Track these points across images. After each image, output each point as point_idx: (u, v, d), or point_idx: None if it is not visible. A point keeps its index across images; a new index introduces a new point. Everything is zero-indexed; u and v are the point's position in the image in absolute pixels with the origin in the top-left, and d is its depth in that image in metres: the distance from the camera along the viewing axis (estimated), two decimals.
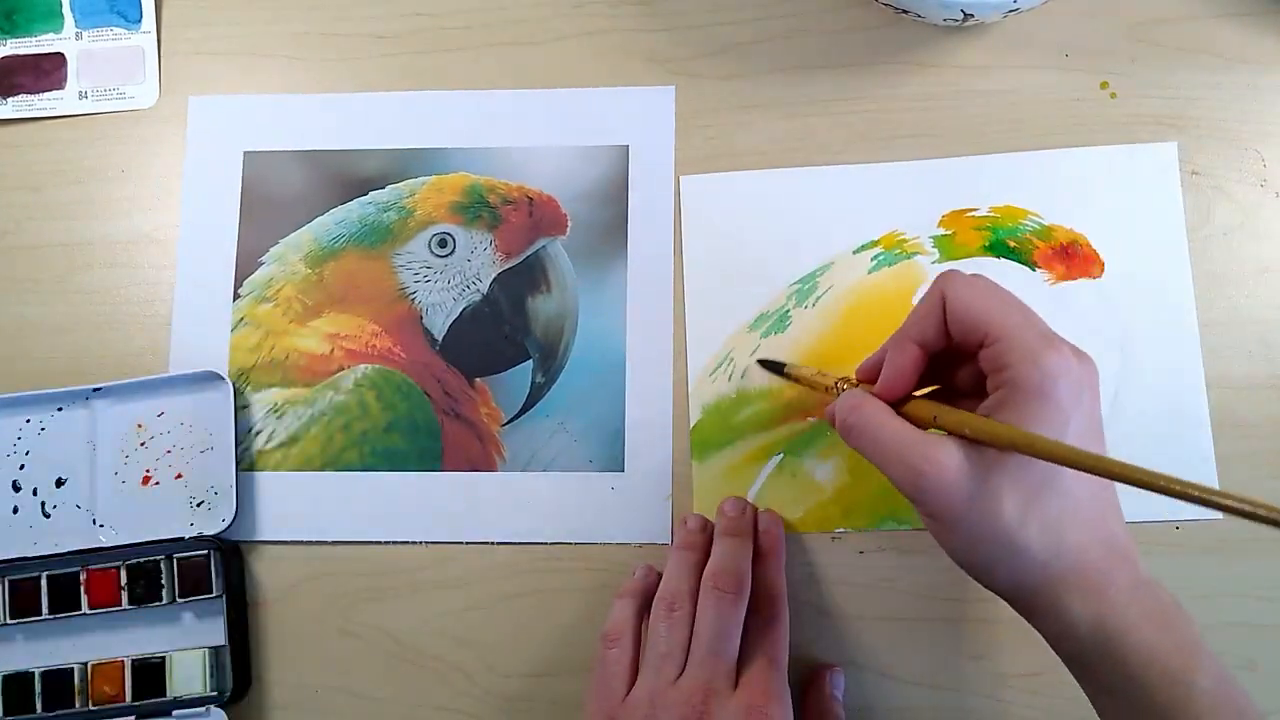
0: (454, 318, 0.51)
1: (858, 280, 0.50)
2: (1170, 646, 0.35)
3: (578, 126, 0.53)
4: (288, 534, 0.50)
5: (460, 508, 0.50)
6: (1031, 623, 0.38)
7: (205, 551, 0.48)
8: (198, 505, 0.50)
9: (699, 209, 0.52)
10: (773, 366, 0.49)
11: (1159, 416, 0.48)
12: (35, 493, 0.50)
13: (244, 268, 0.53)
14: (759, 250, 0.51)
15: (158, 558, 0.48)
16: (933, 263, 0.50)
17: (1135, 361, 0.48)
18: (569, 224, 0.52)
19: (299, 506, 0.50)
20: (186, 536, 0.49)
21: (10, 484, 0.50)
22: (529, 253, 0.52)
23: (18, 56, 0.55)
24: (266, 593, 0.50)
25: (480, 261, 0.52)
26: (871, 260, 0.50)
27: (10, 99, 0.55)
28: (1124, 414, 0.48)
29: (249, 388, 0.51)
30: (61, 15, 0.55)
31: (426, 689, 0.49)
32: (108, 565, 0.48)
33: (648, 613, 0.45)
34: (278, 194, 0.53)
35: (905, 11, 0.49)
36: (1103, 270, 0.49)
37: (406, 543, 0.50)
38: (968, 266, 0.50)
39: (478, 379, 0.51)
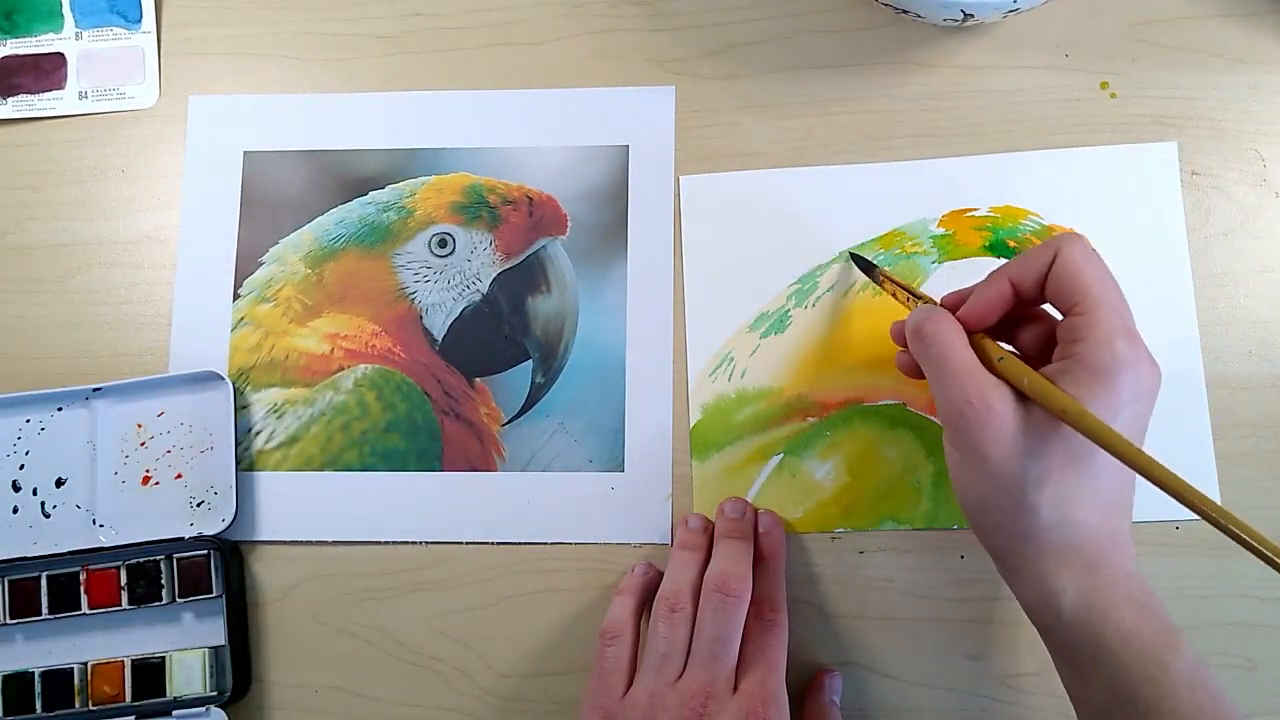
0: (454, 318, 0.52)
1: (858, 281, 0.50)
2: (1149, 630, 0.36)
3: (578, 126, 0.53)
4: (288, 534, 0.50)
5: (460, 508, 0.50)
6: (1012, 584, 0.39)
7: (205, 551, 0.48)
8: (197, 505, 0.50)
9: (699, 209, 0.52)
10: (864, 264, 0.49)
11: (1159, 416, 0.47)
12: (35, 492, 0.50)
13: (244, 268, 0.53)
14: (759, 250, 0.51)
15: (158, 558, 0.48)
16: (932, 263, 0.50)
17: None
18: (569, 224, 0.52)
19: (299, 506, 0.50)
20: (186, 536, 0.49)
21: (10, 484, 0.51)
22: (529, 253, 0.52)
23: (18, 56, 0.55)
24: (266, 593, 0.50)
25: (480, 261, 0.52)
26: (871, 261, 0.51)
27: (10, 99, 0.55)
28: None
29: (249, 388, 0.51)
30: (61, 15, 0.56)
31: (426, 689, 0.49)
32: (108, 565, 0.48)
33: (647, 610, 0.45)
34: (277, 194, 0.53)
35: (905, 11, 0.49)
36: None
37: (406, 543, 0.50)
38: (968, 267, 0.50)
39: (478, 379, 0.51)
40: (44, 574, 0.48)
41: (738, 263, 0.51)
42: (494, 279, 0.52)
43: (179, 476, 0.50)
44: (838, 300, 0.50)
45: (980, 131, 0.51)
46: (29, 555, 0.49)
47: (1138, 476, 0.35)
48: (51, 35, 0.55)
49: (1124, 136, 0.50)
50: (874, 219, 0.51)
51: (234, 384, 0.51)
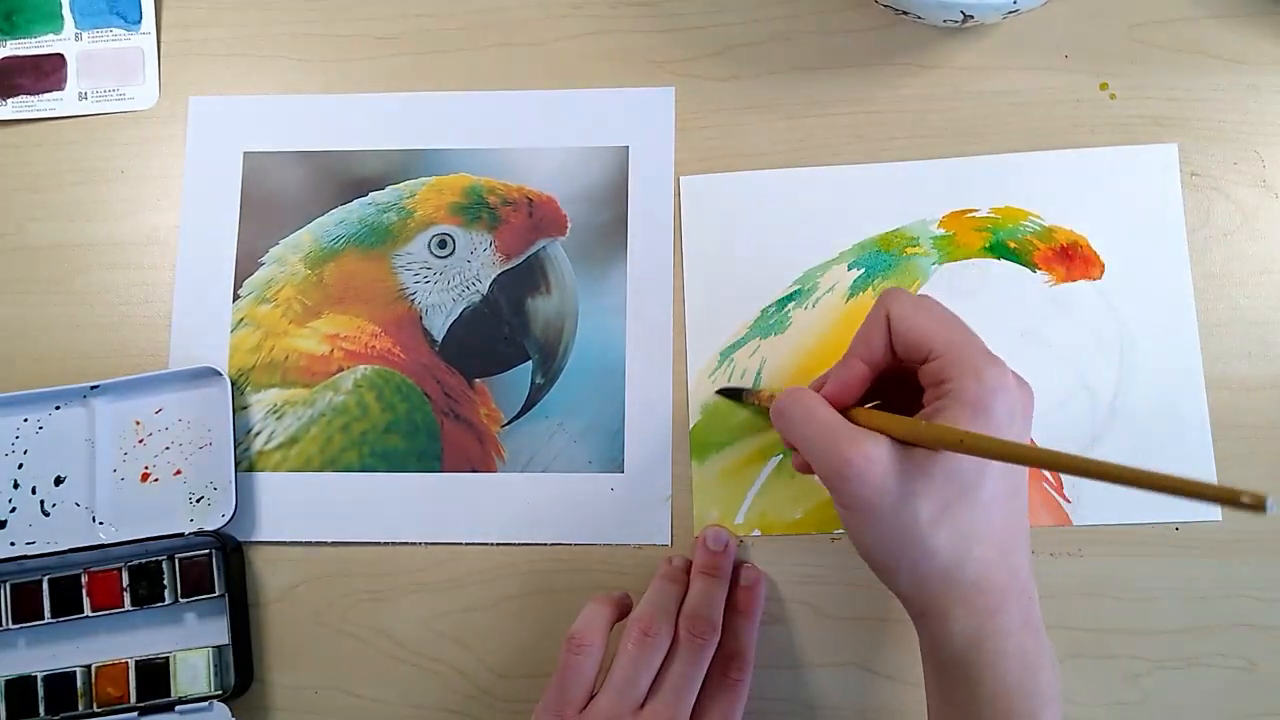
0: (454, 318, 0.52)
1: (858, 281, 0.51)
2: (1025, 692, 0.36)
3: (578, 127, 0.54)
4: (287, 534, 0.51)
5: (459, 509, 0.51)
6: (918, 626, 0.39)
7: (206, 551, 0.49)
8: (197, 501, 0.51)
9: (699, 209, 0.52)
10: (731, 394, 0.50)
11: (1159, 417, 0.49)
12: (34, 491, 0.51)
13: (244, 268, 0.53)
14: (759, 250, 0.52)
15: (159, 558, 0.49)
16: (933, 264, 0.51)
17: (1135, 362, 0.49)
18: (569, 225, 0.53)
19: (298, 507, 0.51)
20: (187, 532, 0.49)
21: (10, 482, 0.51)
22: (529, 254, 0.52)
23: (18, 58, 0.56)
24: (266, 593, 0.51)
25: (480, 262, 0.52)
26: (872, 261, 0.51)
27: (10, 100, 0.55)
28: (1123, 415, 0.49)
29: (249, 388, 0.52)
30: (61, 16, 0.56)
31: (425, 690, 0.49)
32: (109, 567, 0.49)
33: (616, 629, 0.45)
34: (278, 194, 0.54)
35: (905, 13, 0.50)
36: (1103, 272, 0.50)
37: (406, 544, 0.50)
38: (968, 268, 0.51)
39: (477, 380, 0.51)
40: (45, 578, 0.49)
41: (738, 263, 0.52)
42: (494, 280, 0.52)
43: (178, 473, 0.51)
44: (838, 300, 0.51)
45: (980, 132, 0.52)
46: (29, 554, 0.49)
47: (1026, 508, 0.37)
48: (51, 36, 0.56)
49: (1123, 138, 0.51)
50: (874, 219, 0.52)
51: (233, 382, 0.51)
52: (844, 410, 0.39)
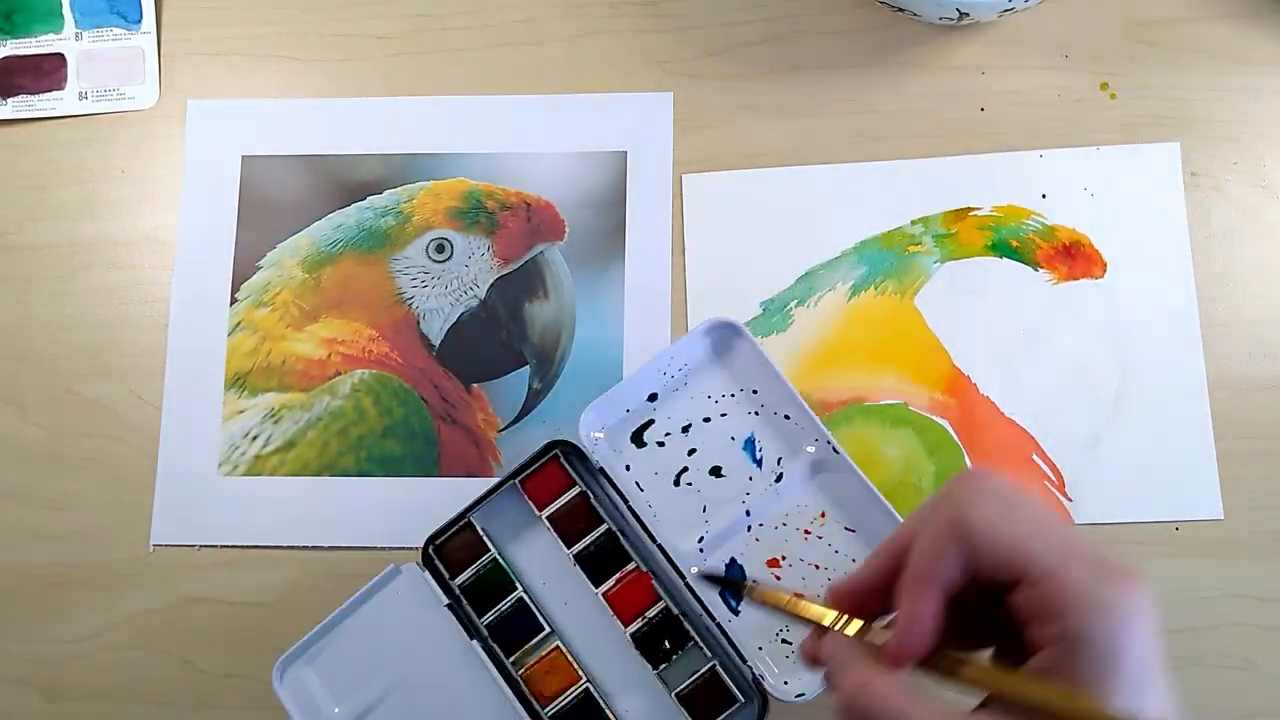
0: (451, 323, 0.55)
1: (860, 280, 0.53)
2: None
3: (576, 132, 0.57)
4: (284, 539, 0.54)
5: (456, 514, 0.52)
6: None
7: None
8: None
9: (701, 207, 0.55)
10: (728, 584, 0.44)
11: (1160, 417, 0.52)
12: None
13: (241, 272, 0.56)
14: (761, 248, 0.55)
15: None
16: (935, 262, 0.54)
17: (1137, 362, 0.52)
18: (567, 230, 0.55)
19: (296, 511, 0.54)
20: None
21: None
22: (526, 259, 0.55)
23: (18, 57, 0.60)
24: (265, 596, 0.53)
25: (478, 267, 0.55)
26: (874, 259, 0.54)
27: (10, 99, 0.59)
28: (1125, 414, 0.52)
29: (245, 392, 0.55)
30: (61, 16, 0.60)
31: None
32: None
33: None
34: (276, 198, 0.57)
35: (901, 10, 0.52)
36: (1105, 270, 0.53)
37: (404, 548, 0.53)
38: (970, 266, 0.53)
39: (474, 385, 0.54)
40: None
41: (740, 261, 0.55)
42: (491, 285, 0.55)
43: None
44: (839, 299, 0.53)
45: (981, 131, 0.55)
46: None
47: None
48: (51, 36, 0.60)
49: (1123, 137, 0.55)
50: (876, 218, 0.56)
51: (228, 388, 0.54)
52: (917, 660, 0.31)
